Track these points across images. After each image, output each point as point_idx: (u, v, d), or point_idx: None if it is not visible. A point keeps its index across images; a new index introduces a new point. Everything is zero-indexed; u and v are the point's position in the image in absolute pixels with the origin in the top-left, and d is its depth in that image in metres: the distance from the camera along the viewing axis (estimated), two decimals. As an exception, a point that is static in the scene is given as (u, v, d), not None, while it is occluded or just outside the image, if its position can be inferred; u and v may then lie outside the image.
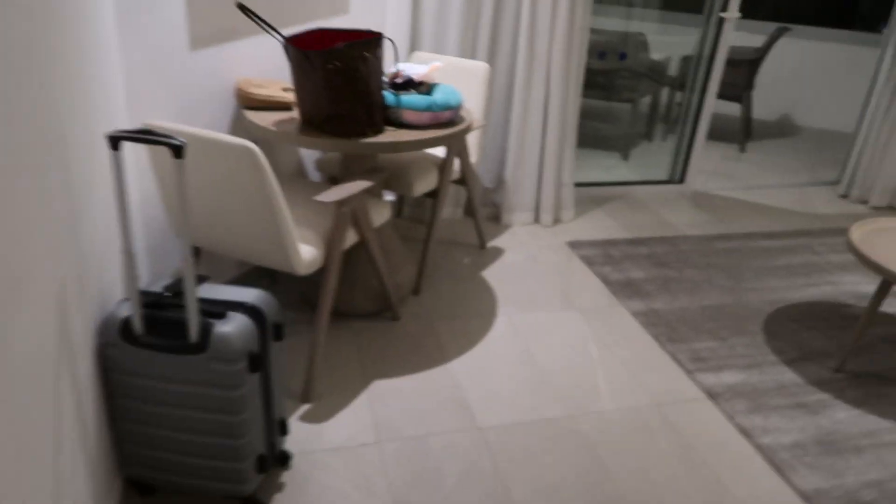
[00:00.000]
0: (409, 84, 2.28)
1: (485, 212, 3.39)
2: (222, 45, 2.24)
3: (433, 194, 2.66)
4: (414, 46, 3.08)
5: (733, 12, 3.60)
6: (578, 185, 3.82)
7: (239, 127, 2.40)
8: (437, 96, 2.20)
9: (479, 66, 2.81)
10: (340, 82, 1.97)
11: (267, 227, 1.82)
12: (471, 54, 3.07)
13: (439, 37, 3.02)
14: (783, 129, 5.76)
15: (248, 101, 2.26)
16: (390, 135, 2.09)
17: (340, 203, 1.95)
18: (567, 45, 3.06)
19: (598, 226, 3.41)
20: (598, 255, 3.08)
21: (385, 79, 2.30)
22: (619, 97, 4.54)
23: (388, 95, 2.17)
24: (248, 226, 1.86)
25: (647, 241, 3.27)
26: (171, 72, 2.06)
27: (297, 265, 1.90)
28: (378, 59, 2.06)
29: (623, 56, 4.20)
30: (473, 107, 2.81)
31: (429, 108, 2.15)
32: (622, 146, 4.71)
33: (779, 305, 2.75)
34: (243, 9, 1.94)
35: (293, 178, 2.43)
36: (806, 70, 5.81)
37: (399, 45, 3.01)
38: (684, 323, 2.56)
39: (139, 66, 1.95)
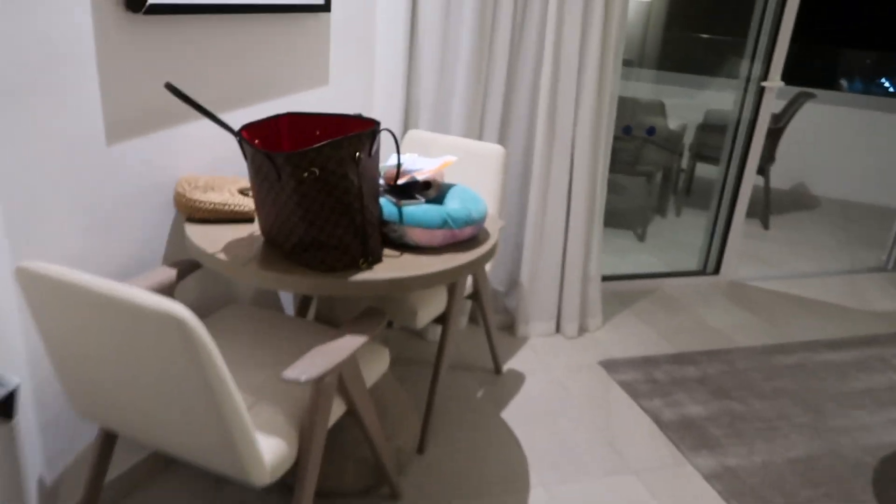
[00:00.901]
0: (413, 187, 1.67)
1: (496, 319, 2.77)
2: (155, 132, 1.62)
3: (440, 319, 2.03)
4: (409, 124, 2.49)
5: (775, 80, 3.11)
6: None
7: (180, 248, 1.77)
8: (454, 205, 1.60)
9: (493, 150, 2.22)
10: (320, 197, 1.36)
11: (208, 424, 1.18)
12: (478, 133, 2.49)
13: (440, 112, 2.45)
14: (800, 200, 5.30)
15: (191, 212, 1.63)
16: (392, 265, 1.47)
17: (321, 377, 1.31)
18: (595, 118, 2.50)
19: (631, 335, 2.81)
20: (640, 380, 2.47)
21: (381, 181, 1.69)
22: (634, 170, 4.01)
23: (387, 205, 1.56)
24: (181, 418, 1.21)
25: (694, 357, 2.67)
26: (75, 178, 1.43)
27: (255, 474, 1.25)
28: (373, 159, 1.46)
29: (651, 131, 3.67)
30: (487, 200, 2.21)
31: (444, 225, 1.54)
32: (636, 224, 4.16)
33: (883, 453, 2.15)
34: (173, 90, 1.33)
35: (253, 311, 1.79)
36: (824, 136, 5.38)
37: (390, 124, 2.42)
38: (774, 488, 1.94)
39: (25, 173, 1.32)
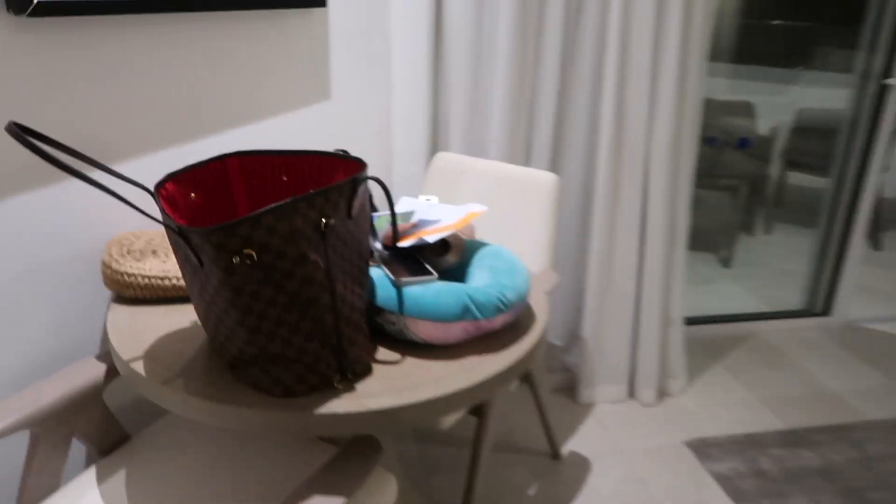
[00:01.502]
0: (423, 251, 1.17)
1: (553, 380, 2.24)
2: (67, 176, 1.17)
3: (476, 410, 1.53)
4: (438, 144, 1.99)
5: (905, 73, 2.47)
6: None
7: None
8: (481, 280, 1.09)
9: (543, 179, 1.71)
10: (264, 292, 0.87)
11: None
12: (524, 156, 1.97)
13: (476, 130, 1.94)
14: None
15: (119, 287, 1.18)
16: (386, 378, 0.98)
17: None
18: (675, 128, 1.94)
19: (725, 402, 2.23)
20: (742, 472, 1.90)
21: (377, 243, 1.19)
22: (715, 183, 3.40)
23: (382, 283, 1.06)
24: None
25: (812, 435, 2.07)
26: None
27: None
28: (358, 219, 0.97)
29: (745, 143, 3.07)
30: (534, 241, 1.70)
31: (465, 315, 1.03)
32: (719, 246, 3.54)
33: None
34: (16, 134, 0.84)
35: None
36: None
37: (414, 144, 1.93)
38: None
39: None
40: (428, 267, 1.11)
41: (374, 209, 1.37)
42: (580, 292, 2.15)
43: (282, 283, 0.87)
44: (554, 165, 2.02)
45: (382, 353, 1.05)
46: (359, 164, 1.05)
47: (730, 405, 2.21)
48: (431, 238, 1.12)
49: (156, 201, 0.92)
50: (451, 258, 1.17)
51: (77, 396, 1.13)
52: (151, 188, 1.15)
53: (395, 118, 1.95)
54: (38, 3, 1.02)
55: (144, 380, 0.97)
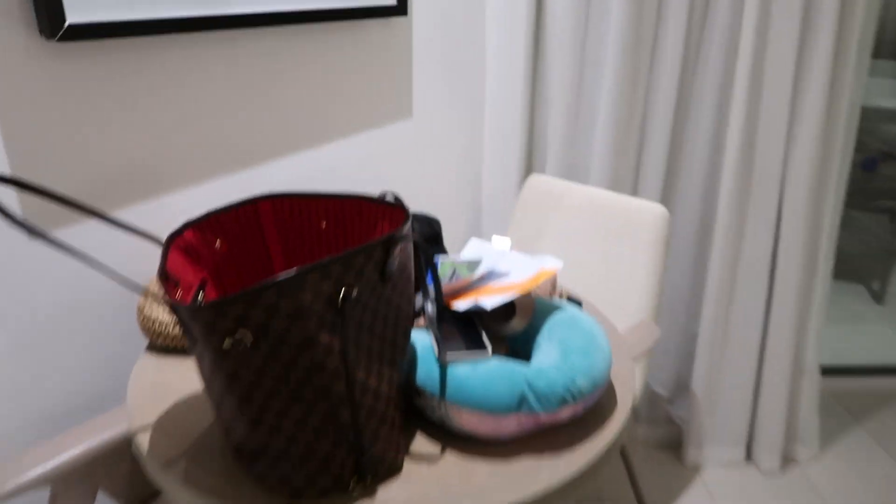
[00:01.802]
0: (479, 318, 0.99)
1: (655, 434, 1.98)
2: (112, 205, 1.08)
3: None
4: (533, 164, 1.79)
5: None
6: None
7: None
8: (547, 359, 0.89)
9: (650, 212, 1.47)
10: (264, 381, 0.73)
11: None
12: (632, 181, 1.73)
13: (575, 151, 1.72)
14: None
15: (151, 335, 1.08)
16: (417, 480, 0.80)
17: None
18: (822, 143, 1.62)
19: (866, 475, 1.88)
20: (883, 573, 1.56)
21: (427, 303, 1.01)
22: (869, 204, 2.95)
23: (425, 357, 0.88)
24: None
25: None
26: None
27: None
28: (399, 280, 0.81)
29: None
30: (636, 285, 1.46)
31: (519, 407, 0.84)
32: (870, 275, 3.07)
33: None
34: (16, 184, 0.74)
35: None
36: None
37: (506, 164, 1.74)
38: None
39: None
40: (484, 338, 0.92)
41: (440, 251, 1.20)
42: (692, 338, 1.87)
43: (284, 373, 0.72)
44: (666, 193, 1.76)
45: (419, 442, 0.88)
46: (403, 214, 0.88)
47: (871, 480, 1.85)
48: (489, 303, 0.93)
49: (162, 255, 0.80)
50: (515, 324, 0.97)
51: (104, 450, 1.04)
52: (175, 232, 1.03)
53: (486, 135, 1.77)
54: (70, 26, 0.93)
55: (147, 455, 0.86)
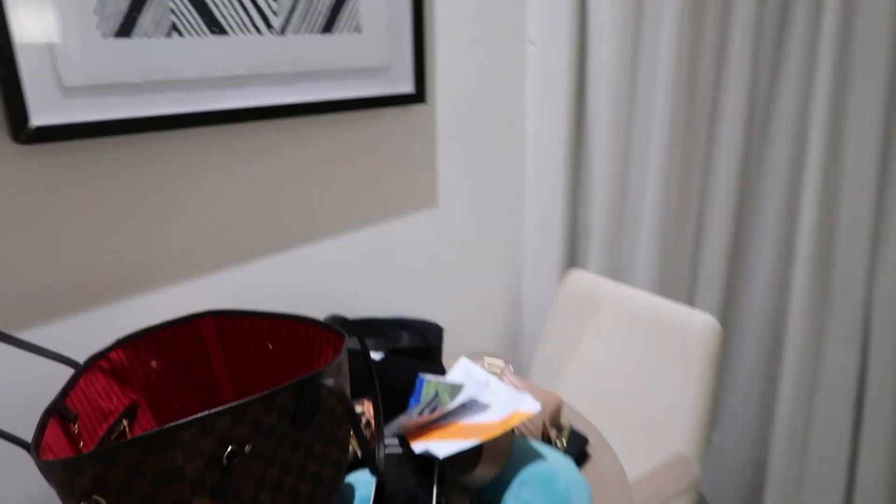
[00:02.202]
0: (447, 461, 0.85)
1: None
2: (87, 310, 1.04)
3: None
4: (576, 257, 1.64)
5: None
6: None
7: None
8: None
9: (699, 322, 1.28)
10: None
11: None
12: (687, 288, 1.53)
13: (619, 245, 1.55)
14: None
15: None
16: None
17: None
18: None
19: None
20: None
21: (380, 443, 0.88)
22: None
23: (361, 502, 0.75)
24: None
25: None
26: None
27: None
28: (326, 424, 0.69)
29: None
30: (681, 409, 1.26)
31: None
32: None
33: None
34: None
35: None
36: None
37: (546, 257, 1.60)
38: None
39: None
40: (433, 493, 0.78)
41: (432, 367, 1.07)
42: (760, 461, 1.61)
43: (149, 542, 0.61)
44: (728, 302, 1.55)
45: None
46: (334, 348, 0.77)
47: None
48: (442, 450, 0.79)
49: (67, 383, 0.73)
50: (480, 473, 0.83)
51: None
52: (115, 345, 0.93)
53: (527, 225, 1.64)
54: (36, 128, 0.91)
55: None
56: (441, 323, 1.55)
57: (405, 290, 1.45)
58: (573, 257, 1.62)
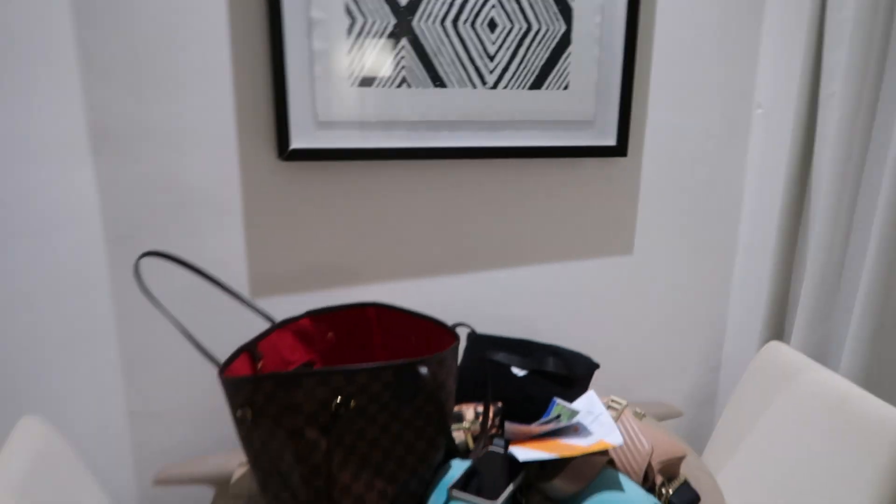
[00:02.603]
0: (538, 469, 0.95)
1: None
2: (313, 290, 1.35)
3: None
4: (777, 332, 1.55)
5: None
6: None
7: None
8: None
9: (886, 418, 1.16)
10: (260, 456, 0.86)
11: None
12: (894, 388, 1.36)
13: (827, 322, 1.44)
14: None
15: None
16: None
17: None
18: None
19: None
20: None
21: (496, 439, 1.01)
22: None
23: (442, 488, 0.90)
24: None
25: None
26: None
27: None
28: (425, 407, 0.87)
29: None
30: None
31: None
32: None
33: None
34: (160, 255, 1.03)
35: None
36: None
37: (751, 320, 1.55)
38: None
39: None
40: (506, 490, 0.89)
41: (569, 393, 1.17)
42: None
43: (275, 455, 0.84)
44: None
45: (412, 569, 0.89)
46: (453, 336, 0.93)
47: None
48: (522, 455, 0.89)
49: (262, 333, 1.00)
50: (559, 486, 0.91)
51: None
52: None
53: (733, 288, 1.61)
54: (292, 150, 1.24)
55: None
56: (618, 366, 1.60)
57: (585, 325, 1.54)
58: (779, 330, 1.55)
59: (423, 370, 0.85)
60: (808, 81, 1.41)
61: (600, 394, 1.53)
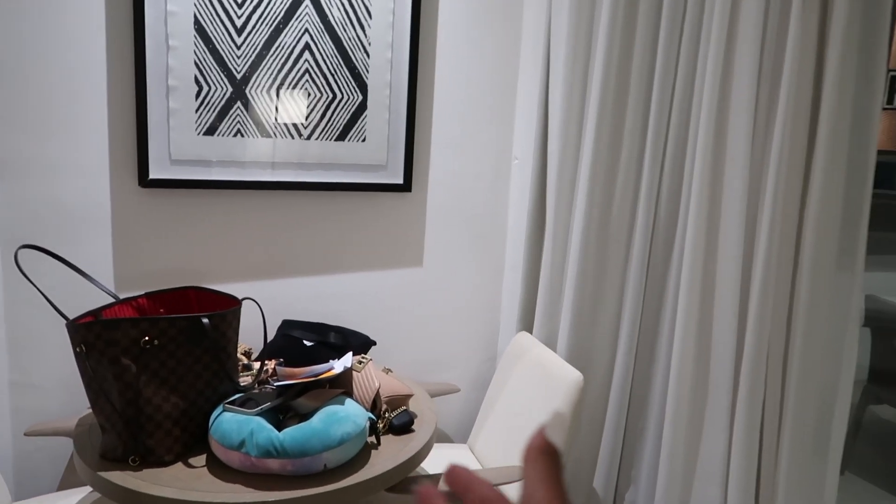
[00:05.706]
0: (280, 392, 1.40)
1: None
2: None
3: None
4: (526, 325, 2.06)
5: None
6: None
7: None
8: (287, 430, 1.26)
9: (567, 376, 1.65)
10: (93, 378, 1.28)
11: None
12: (612, 350, 1.87)
13: (552, 316, 1.95)
14: None
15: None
16: (176, 476, 1.25)
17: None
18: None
19: None
20: None
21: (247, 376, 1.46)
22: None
23: (232, 415, 1.33)
24: None
25: None
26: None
27: None
28: (211, 350, 1.30)
29: None
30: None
31: (239, 447, 1.24)
32: None
33: None
34: (35, 248, 1.46)
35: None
36: None
37: (509, 321, 2.05)
38: None
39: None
40: (260, 407, 1.33)
41: (340, 354, 1.62)
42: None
43: (101, 377, 1.26)
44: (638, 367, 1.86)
45: (197, 459, 1.32)
46: (235, 303, 1.38)
47: None
48: (280, 383, 1.35)
49: (107, 305, 1.43)
50: (301, 403, 1.36)
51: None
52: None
53: (505, 290, 2.11)
54: (150, 179, 1.68)
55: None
56: (414, 356, 2.07)
57: (386, 323, 2.01)
58: (529, 324, 2.05)
59: (206, 321, 1.30)
60: (541, 142, 1.95)
61: (400, 375, 1.99)
